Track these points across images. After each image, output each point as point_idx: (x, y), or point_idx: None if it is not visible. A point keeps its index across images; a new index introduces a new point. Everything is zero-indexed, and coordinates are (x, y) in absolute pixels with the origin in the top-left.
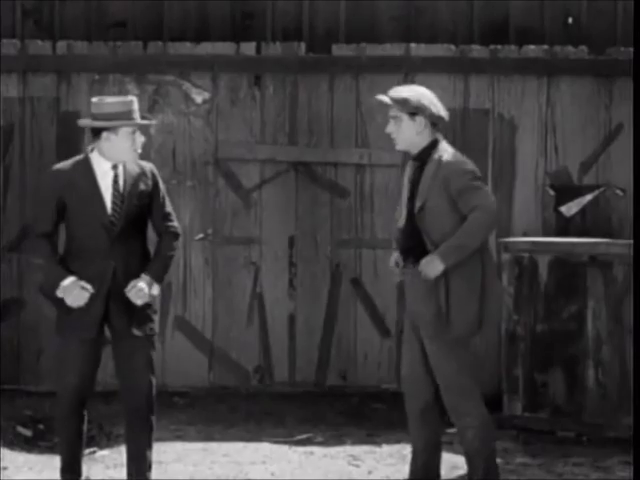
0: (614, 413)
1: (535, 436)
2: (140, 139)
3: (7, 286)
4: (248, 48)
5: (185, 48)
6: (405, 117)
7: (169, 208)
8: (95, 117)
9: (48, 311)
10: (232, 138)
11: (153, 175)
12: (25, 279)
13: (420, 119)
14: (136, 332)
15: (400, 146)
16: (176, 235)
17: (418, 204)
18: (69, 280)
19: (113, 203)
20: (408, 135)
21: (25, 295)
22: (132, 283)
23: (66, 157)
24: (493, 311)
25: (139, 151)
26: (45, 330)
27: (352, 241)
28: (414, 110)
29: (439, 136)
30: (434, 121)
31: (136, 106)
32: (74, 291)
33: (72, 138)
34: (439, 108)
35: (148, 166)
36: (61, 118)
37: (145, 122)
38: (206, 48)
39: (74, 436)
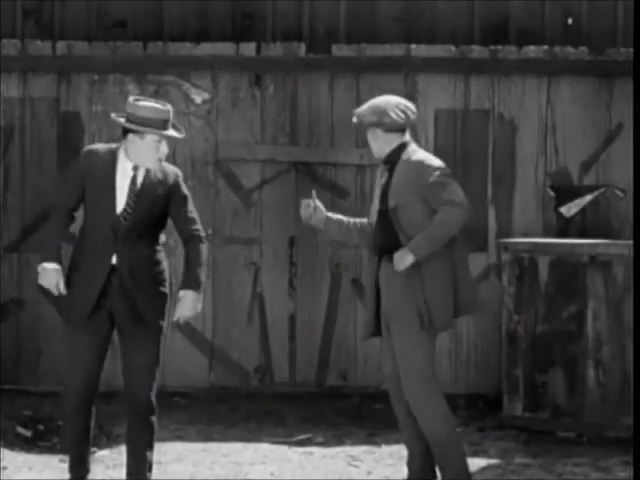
0: (614, 413)
1: (535, 436)
2: (164, 149)
3: (7, 286)
4: (248, 48)
5: (185, 48)
6: (366, 131)
7: (193, 214)
8: (128, 117)
9: (47, 311)
10: (232, 138)
11: (175, 181)
12: (25, 279)
13: (377, 131)
14: (142, 330)
15: (374, 154)
16: (200, 239)
17: (392, 204)
18: (53, 266)
19: (126, 203)
20: (374, 145)
21: (25, 295)
22: (178, 312)
23: (66, 157)
24: (467, 300)
25: (162, 160)
26: (44, 330)
27: None
28: (368, 125)
29: (407, 139)
30: (395, 129)
31: (170, 116)
32: (49, 275)
33: (72, 138)
34: (400, 115)
35: (173, 172)
36: (61, 118)
37: (174, 134)
38: (206, 48)
39: (82, 432)
